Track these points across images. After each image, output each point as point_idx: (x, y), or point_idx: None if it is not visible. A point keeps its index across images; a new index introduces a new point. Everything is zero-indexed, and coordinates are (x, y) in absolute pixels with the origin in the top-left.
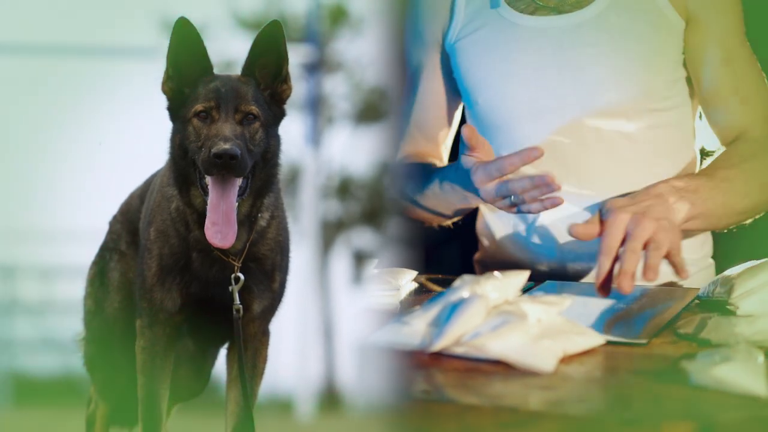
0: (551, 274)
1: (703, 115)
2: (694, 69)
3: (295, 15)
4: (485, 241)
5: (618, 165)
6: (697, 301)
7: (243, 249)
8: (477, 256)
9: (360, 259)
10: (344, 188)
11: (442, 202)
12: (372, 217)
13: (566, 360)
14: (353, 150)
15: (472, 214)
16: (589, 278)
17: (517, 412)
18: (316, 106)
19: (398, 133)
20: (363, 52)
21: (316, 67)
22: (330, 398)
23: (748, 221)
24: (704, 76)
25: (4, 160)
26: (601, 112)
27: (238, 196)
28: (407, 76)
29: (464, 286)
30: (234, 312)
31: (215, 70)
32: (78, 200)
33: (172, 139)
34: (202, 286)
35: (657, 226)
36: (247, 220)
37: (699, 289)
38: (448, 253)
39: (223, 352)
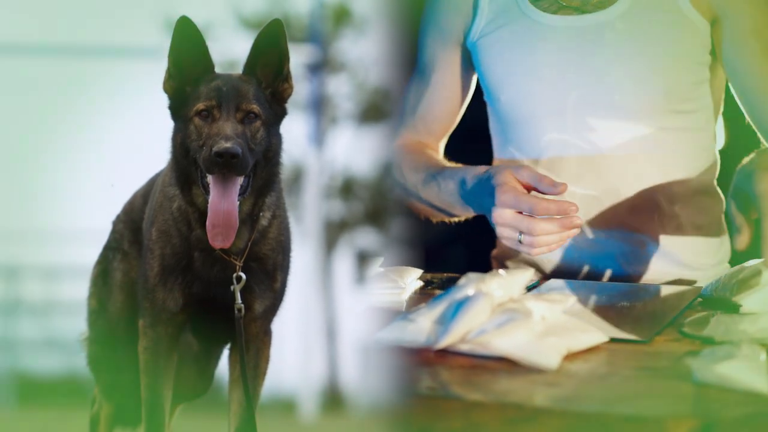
0: (556, 272)
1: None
2: (731, 66)
3: (298, 15)
4: None
5: (636, 166)
6: (700, 299)
7: (244, 248)
8: (494, 252)
9: (363, 259)
10: (347, 188)
11: (444, 202)
12: (375, 217)
13: (570, 357)
14: (356, 150)
15: (472, 219)
16: (592, 277)
17: (522, 409)
18: (319, 106)
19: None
20: (366, 52)
21: (319, 67)
22: (333, 398)
23: None
24: (743, 71)
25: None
26: (620, 113)
27: (240, 195)
28: (415, 67)
29: (469, 284)
30: (235, 311)
31: (218, 70)
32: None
33: (174, 138)
34: (204, 286)
35: None
36: (248, 219)
37: (702, 287)
38: (452, 252)
39: (226, 352)
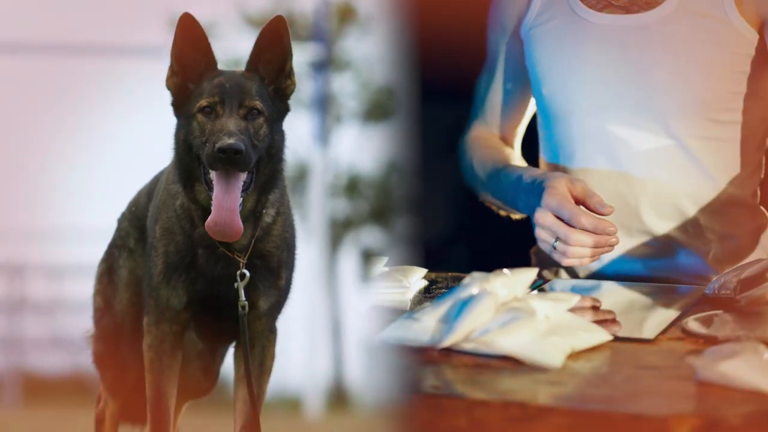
0: (588, 276)
1: None
2: None
3: (303, 13)
4: None
5: (666, 171)
6: (703, 298)
7: (248, 245)
8: (534, 249)
9: (368, 257)
10: (352, 187)
11: (501, 197)
12: (380, 215)
13: (574, 356)
14: (361, 148)
15: (477, 215)
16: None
17: (526, 407)
18: (324, 104)
19: (407, 131)
20: (371, 50)
21: (324, 66)
22: (338, 396)
23: None
24: None
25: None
26: (656, 117)
27: (243, 191)
28: (486, 59)
29: (473, 283)
30: (239, 309)
31: (223, 68)
32: (86, 198)
33: (177, 135)
34: (208, 283)
35: None
36: (252, 216)
37: (705, 286)
38: (456, 252)
39: (231, 350)
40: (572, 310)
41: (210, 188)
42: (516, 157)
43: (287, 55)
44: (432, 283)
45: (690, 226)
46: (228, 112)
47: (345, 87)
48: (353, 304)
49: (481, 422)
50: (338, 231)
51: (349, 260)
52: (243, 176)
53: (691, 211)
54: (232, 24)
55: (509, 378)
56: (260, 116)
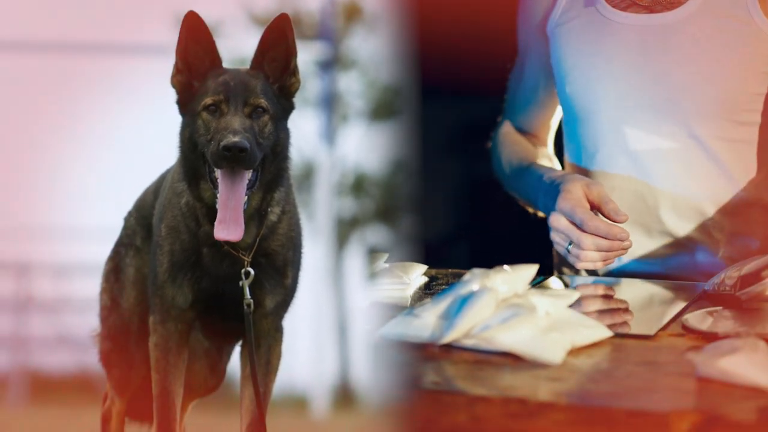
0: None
1: None
2: None
3: (309, 12)
4: None
5: (688, 172)
6: (703, 295)
7: (253, 244)
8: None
9: (375, 256)
10: (358, 185)
11: (524, 195)
12: (386, 214)
13: (574, 352)
14: (367, 147)
15: (477, 216)
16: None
17: (526, 403)
18: (330, 103)
19: (412, 130)
20: (377, 49)
21: (330, 65)
22: (345, 395)
23: None
24: None
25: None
26: (677, 117)
27: (248, 189)
28: (517, 55)
29: (474, 280)
30: (245, 307)
31: (229, 67)
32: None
33: (182, 133)
34: (213, 282)
35: None
36: (257, 214)
37: (706, 283)
38: (457, 250)
39: (238, 348)
40: (584, 297)
41: (215, 186)
42: (546, 154)
43: (291, 53)
44: (432, 279)
45: (709, 227)
46: (233, 110)
47: (351, 86)
48: (360, 302)
49: (482, 418)
50: (345, 230)
51: (355, 258)
52: (248, 174)
53: (711, 211)
54: (238, 23)
55: (510, 374)
56: (265, 114)
